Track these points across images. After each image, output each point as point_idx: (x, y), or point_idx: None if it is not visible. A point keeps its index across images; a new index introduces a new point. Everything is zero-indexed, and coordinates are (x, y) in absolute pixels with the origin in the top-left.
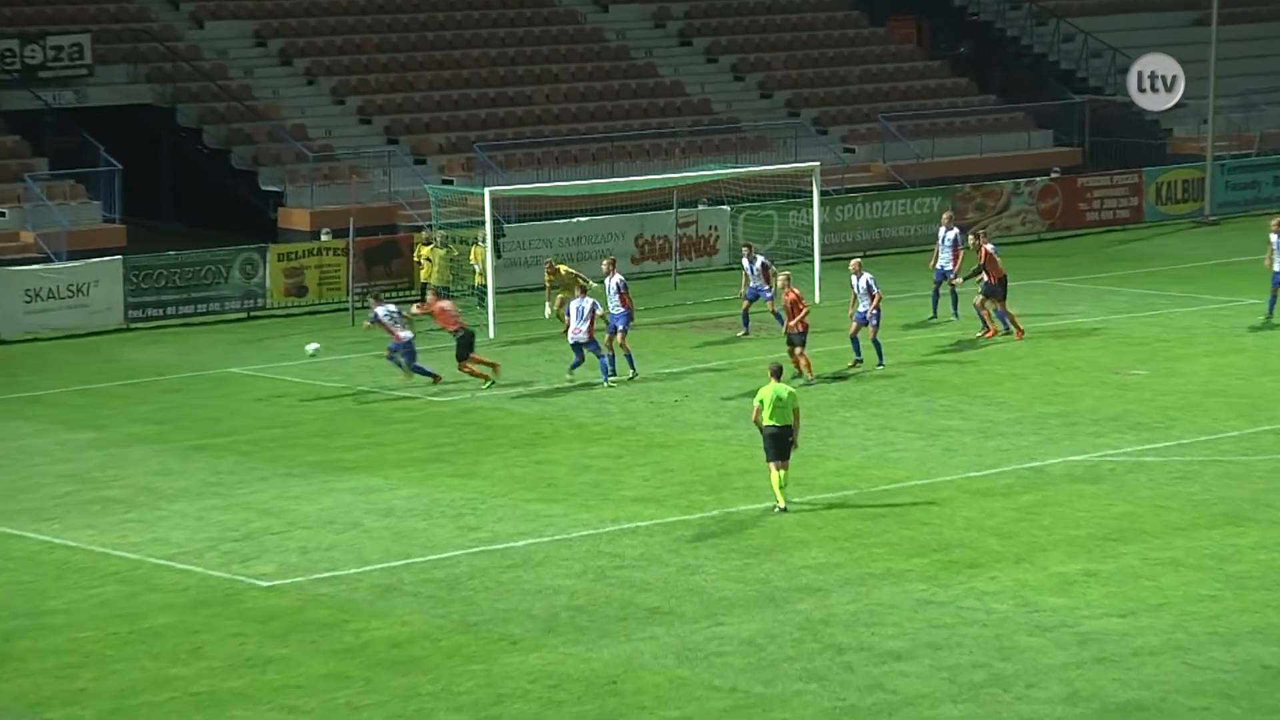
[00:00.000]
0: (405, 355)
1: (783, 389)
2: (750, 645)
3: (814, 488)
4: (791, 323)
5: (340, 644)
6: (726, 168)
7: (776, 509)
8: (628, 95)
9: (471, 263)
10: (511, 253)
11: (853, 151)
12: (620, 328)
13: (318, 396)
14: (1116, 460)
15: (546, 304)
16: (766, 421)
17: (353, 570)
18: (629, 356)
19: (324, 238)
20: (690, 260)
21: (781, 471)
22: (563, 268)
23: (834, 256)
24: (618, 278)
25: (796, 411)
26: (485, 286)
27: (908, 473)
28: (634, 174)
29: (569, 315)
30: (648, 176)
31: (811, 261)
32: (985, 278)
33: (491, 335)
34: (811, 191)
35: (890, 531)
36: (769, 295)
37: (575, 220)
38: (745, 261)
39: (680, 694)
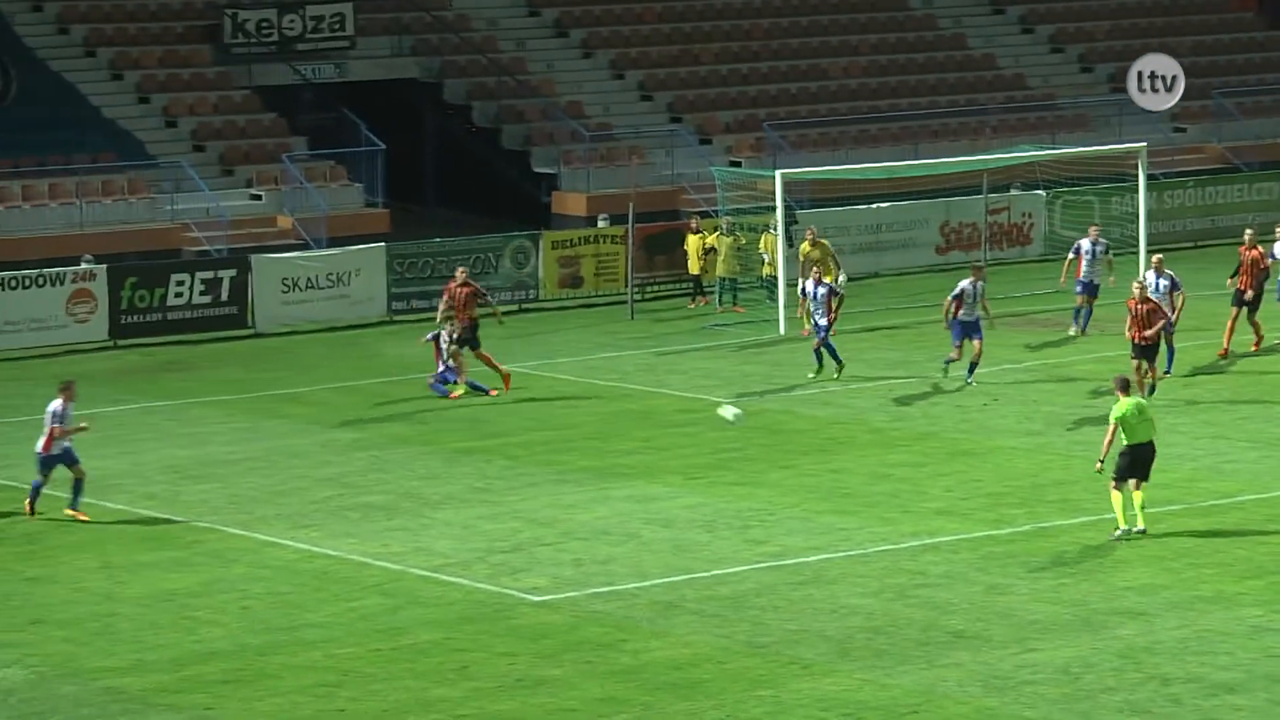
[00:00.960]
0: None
1: (1141, 400)
2: (1065, 674)
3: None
4: (1148, 332)
5: (617, 665)
6: (1042, 148)
7: (1120, 533)
8: (934, 69)
9: (760, 252)
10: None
11: (1184, 131)
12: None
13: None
14: None
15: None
16: (1128, 441)
17: (630, 585)
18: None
19: (601, 224)
20: (1001, 250)
21: (1134, 492)
22: (825, 241)
23: (1160, 247)
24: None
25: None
26: (775, 278)
27: (1241, 486)
28: (939, 155)
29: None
30: (955, 158)
31: (1136, 253)
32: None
33: (781, 331)
34: (1137, 175)
35: (1222, 551)
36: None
37: (874, 206)
38: (1087, 242)
39: None
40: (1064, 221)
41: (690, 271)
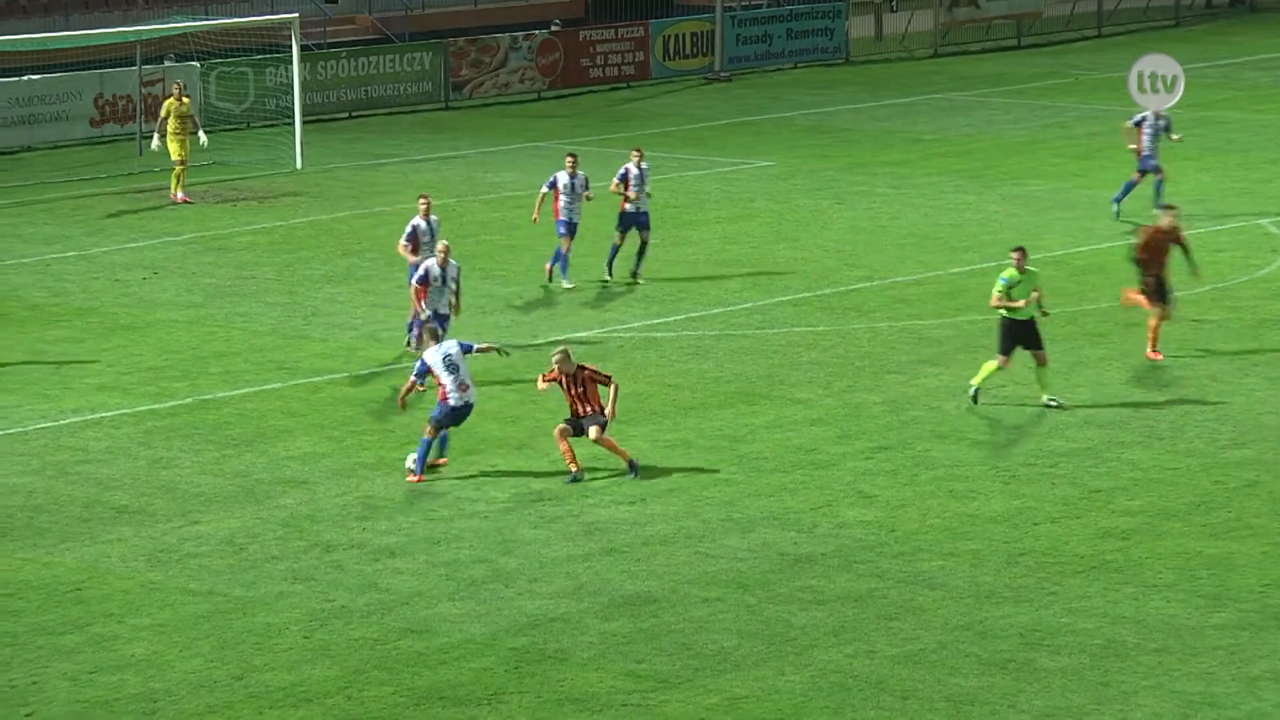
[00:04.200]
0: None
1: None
2: (230, 545)
3: (298, 371)
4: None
5: None
6: (194, 20)
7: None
8: None
9: None
10: None
11: (335, 3)
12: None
13: None
14: (624, 336)
15: None
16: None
17: None
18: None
19: None
20: (157, 122)
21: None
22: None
23: (316, 119)
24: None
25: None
26: None
27: (399, 353)
28: (90, 26)
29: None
30: (105, 30)
31: (292, 124)
32: None
33: None
34: (291, 46)
35: (381, 417)
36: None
37: (25, 79)
38: (565, 175)
39: (153, 599)
40: (219, 93)
41: None
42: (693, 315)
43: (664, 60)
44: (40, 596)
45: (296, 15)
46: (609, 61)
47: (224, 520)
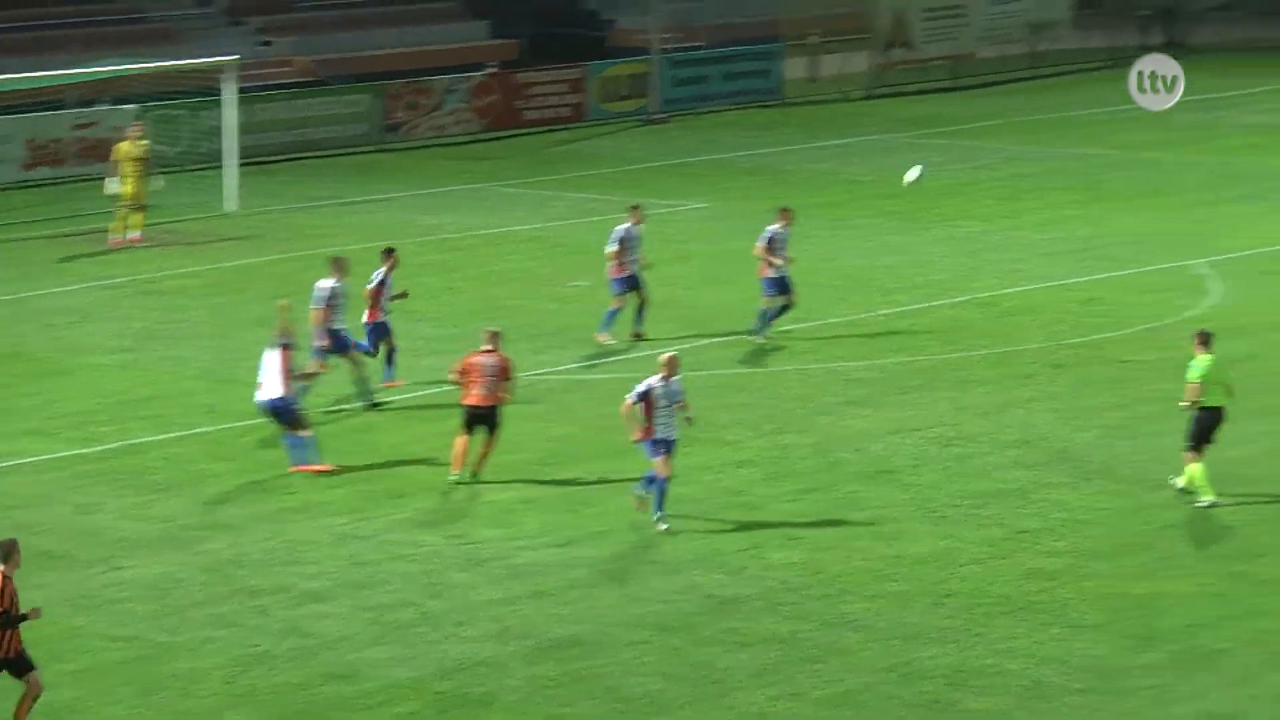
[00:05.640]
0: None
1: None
2: (153, 590)
3: (227, 415)
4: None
5: None
6: (128, 63)
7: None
8: None
9: None
10: None
11: (270, 44)
12: None
13: None
14: (556, 379)
15: None
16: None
17: None
18: None
19: None
20: (89, 166)
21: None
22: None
23: (251, 161)
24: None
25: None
26: None
27: (339, 395)
28: (21, 70)
29: None
30: (36, 73)
31: (226, 167)
32: None
33: None
34: (226, 89)
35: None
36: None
37: None
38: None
39: (75, 645)
40: (155, 136)
41: None
42: (625, 358)
43: (600, 102)
44: None
45: (237, 57)
46: (546, 104)
47: (148, 565)
